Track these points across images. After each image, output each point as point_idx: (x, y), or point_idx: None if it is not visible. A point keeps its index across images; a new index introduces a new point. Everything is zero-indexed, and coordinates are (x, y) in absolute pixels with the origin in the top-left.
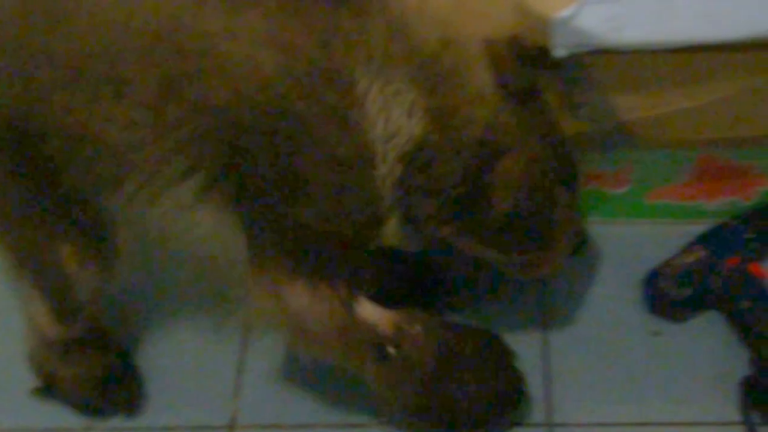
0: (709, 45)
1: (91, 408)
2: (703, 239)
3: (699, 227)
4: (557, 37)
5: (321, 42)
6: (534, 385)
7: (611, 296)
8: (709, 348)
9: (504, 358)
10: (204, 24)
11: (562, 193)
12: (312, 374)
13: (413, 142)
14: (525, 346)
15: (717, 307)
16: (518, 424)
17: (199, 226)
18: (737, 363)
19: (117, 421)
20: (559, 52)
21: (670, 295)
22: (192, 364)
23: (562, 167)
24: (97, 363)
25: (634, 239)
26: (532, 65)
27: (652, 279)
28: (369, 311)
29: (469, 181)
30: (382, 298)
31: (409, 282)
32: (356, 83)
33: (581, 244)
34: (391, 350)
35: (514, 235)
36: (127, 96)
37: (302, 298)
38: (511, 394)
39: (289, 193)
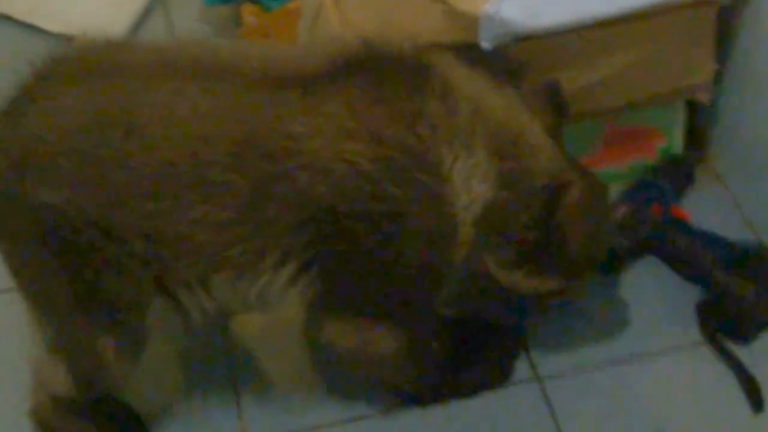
0: (606, 20)
1: None
2: (623, 196)
3: (615, 189)
4: (484, 32)
5: (408, 127)
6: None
7: None
8: (656, 287)
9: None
10: (287, 125)
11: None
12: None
13: (485, 206)
14: None
15: (653, 251)
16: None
17: (277, 301)
18: (684, 295)
19: None
20: (486, 45)
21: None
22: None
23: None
24: (107, 424)
25: None
26: (561, 104)
27: None
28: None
29: (542, 224)
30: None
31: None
32: (443, 161)
33: (614, 262)
34: None
35: (580, 261)
36: (218, 199)
37: (384, 339)
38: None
39: (380, 269)
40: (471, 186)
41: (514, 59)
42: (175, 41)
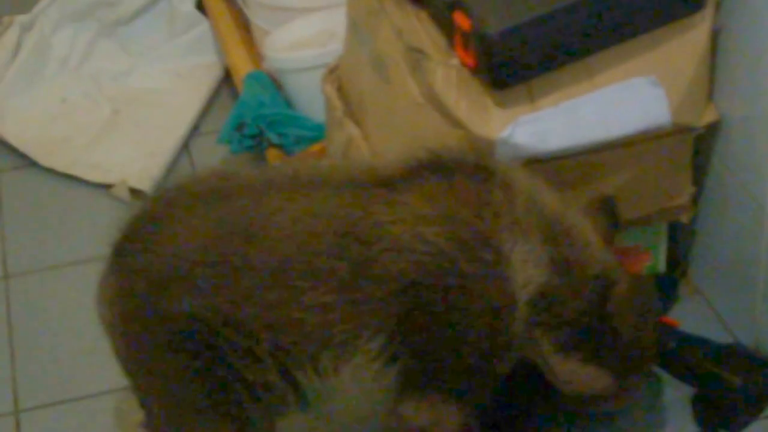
0: (601, 145)
1: None
2: None
3: None
4: (499, 153)
5: (476, 212)
6: None
7: None
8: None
9: None
10: (374, 216)
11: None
12: None
13: (539, 288)
14: None
15: None
16: None
17: (361, 375)
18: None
19: None
20: None
21: None
22: None
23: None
24: None
25: None
26: (615, 216)
27: None
28: None
29: (595, 311)
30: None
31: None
32: (503, 244)
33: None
34: None
35: (632, 354)
36: (324, 284)
37: (452, 415)
38: None
39: (453, 338)
40: (527, 268)
41: None
42: (272, 165)
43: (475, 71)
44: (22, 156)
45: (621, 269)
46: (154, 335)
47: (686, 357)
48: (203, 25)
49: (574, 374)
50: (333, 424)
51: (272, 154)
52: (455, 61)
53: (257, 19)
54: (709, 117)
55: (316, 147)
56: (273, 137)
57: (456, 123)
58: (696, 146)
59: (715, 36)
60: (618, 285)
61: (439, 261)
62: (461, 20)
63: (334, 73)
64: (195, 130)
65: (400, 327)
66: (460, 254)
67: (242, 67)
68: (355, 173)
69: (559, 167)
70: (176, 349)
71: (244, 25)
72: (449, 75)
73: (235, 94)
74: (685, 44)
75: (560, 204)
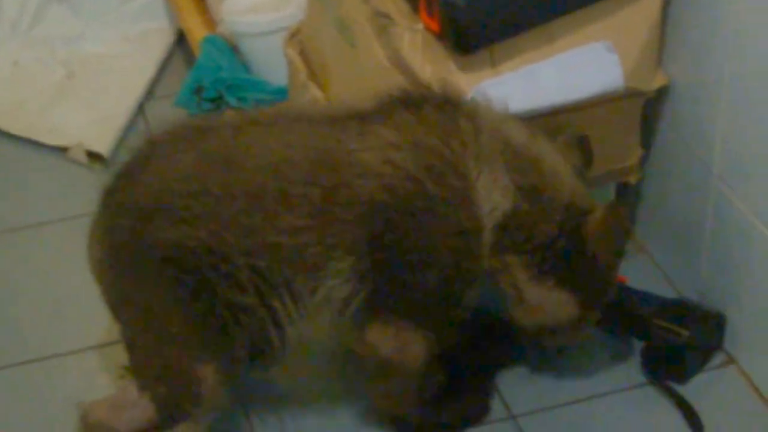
0: (557, 108)
1: None
2: None
3: None
4: None
5: (443, 141)
6: None
7: None
8: (603, 339)
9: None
10: (346, 145)
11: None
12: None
13: (504, 214)
14: None
15: None
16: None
17: (330, 297)
18: (626, 345)
19: None
20: None
21: None
22: None
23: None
24: None
25: None
26: (587, 154)
27: None
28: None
29: (568, 236)
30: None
31: (480, 338)
32: (470, 171)
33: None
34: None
35: (595, 282)
36: (297, 209)
37: (416, 344)
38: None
39: (420, 260)
40: (493, 195)
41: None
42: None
43: (440, 36)
44: None
45: (592, 200)
46: (140, 265)
47: (635, 310)
48: None
49: (544, 300)
50: (304, 355)
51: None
52: (420, 26)
53: None
54: (658, 82)
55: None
56: (232, 101)
57: (421, 84)
58: (645, 110)
59: (666, 4)
60: (593, 213)
61: (406, 184)
62: None
63: (296, 37)
64: (150, 94)
65: (369, 248)
66: (428, 178)
67: (197, 32)
68: (331, 110)
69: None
70: (161, 277)
71: None
72: (415, 40)
73: (188, 59)
74: (638, 12)
75: (527, 135)
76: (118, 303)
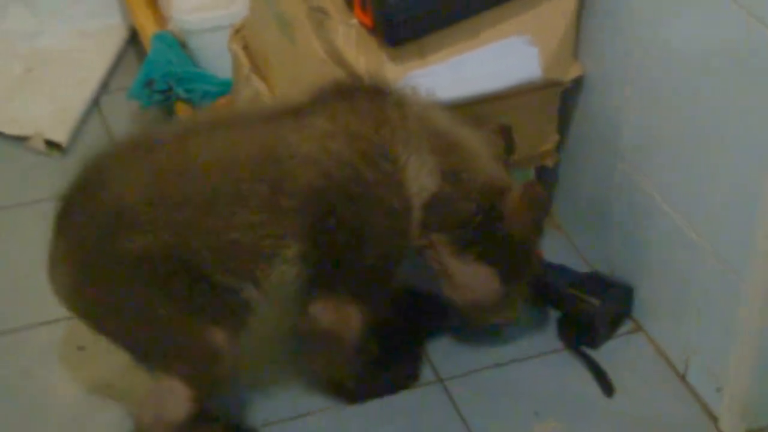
0: (483, 97)
1: None
2: None
3: None
4: None
5: (374, 128)
6: None
7: None
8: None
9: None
10: (286, 139)
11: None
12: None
13: (430, 194)
14: None
15: None
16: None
17: (283, 278)
18: (543, 314)
19: None
20: None
21: None
22: None
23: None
24: (215, 428)
25: None
26: (510, 142)
27: None
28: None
29: (486, 212)
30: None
31: (402, 313)
32: (399, 156)
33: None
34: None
35: (515, 257)
36: (249, 205)
37: (353, 316)
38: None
39: (355, 239)
40: (420, 177)
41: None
42: (185, 117)
43: (372, 30)
44: None
45: (510, 180)
46: (114, 275)
47: (551, 283)
48: None
49: (466, 274)
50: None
51: (181, 108)
52: (354, 21)
53: None
54: (574, 72)
55: (221, 101)
56: (181, 93)
57: (355, 75)
58: (562, 99)
59: (581, 1)
60: (510, 192)
61: (343, 170)
62: None
63: (239, 33)
64: (104, 87)
65: (313, 232)
66: (362, 164)
67: (148, 28)
68: (268, 107)
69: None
70: (136, 279)
71: None
72: (349, 34)
73: (140, 54)
74: (555, 7)
75: (450, 121)
76: (101, 316)
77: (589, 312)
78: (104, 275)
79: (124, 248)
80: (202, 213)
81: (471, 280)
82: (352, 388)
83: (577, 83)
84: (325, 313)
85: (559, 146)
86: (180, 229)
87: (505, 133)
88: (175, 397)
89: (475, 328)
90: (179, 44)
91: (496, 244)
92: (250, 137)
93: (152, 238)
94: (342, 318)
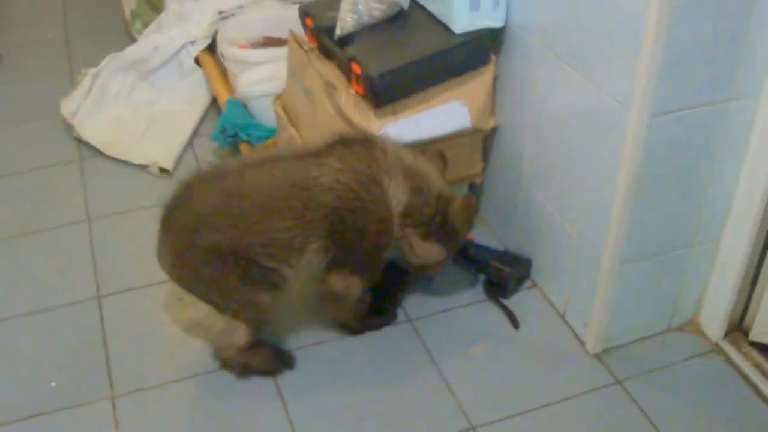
0: (435, 139)
1: (273, 370)
2: None
3: None
4: None
5: (368, 165)
6: None
7: None
8: (460, 273)
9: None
10: (310, 173)
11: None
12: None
13: (404, 205)
14: None
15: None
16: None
17: (310, 262)
18: (473, 278)
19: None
20: None
21: None
22: None
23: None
24: (265, 350)
25: None
26: (444, 161)
27: None
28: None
29: (441, 214)
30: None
31: (390, 277)
32: (384, 182)
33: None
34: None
35: (455, 238)
36: (286, 216)
37: (356, 284)
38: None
39: (357, 237)
40: (397, 195)
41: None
42: (245, 154)
43: (363, 97)
44: (95, 149)
45: (454, 192)
46: (199, 259)
47: (480, 257)
48: (199, 73)
49: (427, 250)
50: (298, 297)
51: (243, 146)
52: (352, 91)
53: (231, 68)
54: (492, 123)
55: (269, 142)
56: (243, 136)
57: (353, 126)
58: (485, 140)
59: (495, 78)
60: (455, 200)
61: (348, 194)
62: (355, 67)
63: (280, 98)
64: (195, 133)
65: (329, 233)
66: (360, 189)
67: (223, 96)
68: (297, 151)
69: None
70: (215, 262)
71: (223, 72)
72: (349, 99)
73: (218, 112)
74: (479, 82)
75: (413, 157)
76: (189, 285)
77: (503, 275)
78: (191, 260)
79: (203, 242)
80: (255, 220)
81: (428, 252)
82: (354, 326)
83: (494, 130)
84: (337, 282)
85: (484, 170)
86: (240, 230)
87: (441, 156)
88: (240, 331)
89: (423, 279)
90: (243, 106)
91: (445, 233)
92: (286, 170)
93: (221, 236)
94: (348, 285)
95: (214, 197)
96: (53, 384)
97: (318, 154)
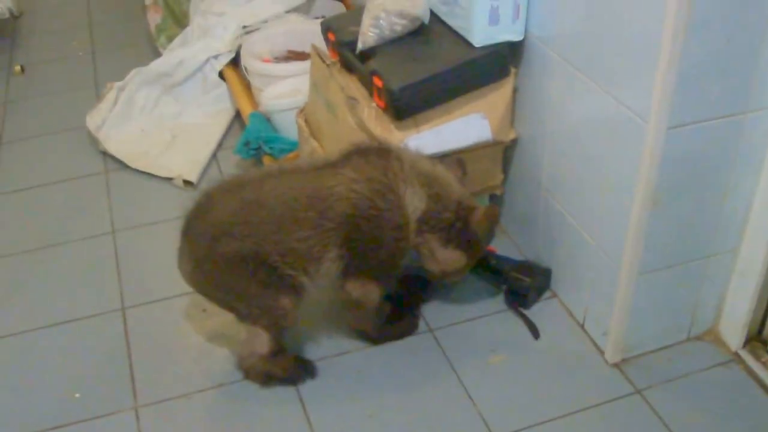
0: (458, 150)
1: (295, 379)
2: None
3: None
4: None
5: (383, 174)
6: None
7: None
8: (482, 284)
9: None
10: (327, 183)
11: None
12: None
13: (422, 213)
14: None
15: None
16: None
17: (328, 270)
18: (493, 289)
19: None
20: None
21: None
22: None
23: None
24: (287, 359)
25: None
26: (463, 169)
27: None
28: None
29: (461, 221)
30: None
31: (406, 289)
32: (400, 190)
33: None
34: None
35: (476, 245)
36: (304, 226)
37: (374, 291)
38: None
39: (374, 244)
40: (414, 202)
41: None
42: (267, 165)
43: (385, 110)
44: (120, 162)
45: (475, 201)
46: (219, 266)
47: (500, 267)
48: (223, 86)
49: (447, 256)
50: (316, 303)
51: (267, 159)
52: (374, 105)
53: (255, 82)
54: (512, 135)
55: (292, 155)
56: (266, 149)
57: (374, 139)
58: (505, 151)
59: (515, 90)
60: (477, 209)
61: (364, 202)
62: (377, 81)
63: (303, 111)
64: (220, 146)
65: (346, 242)
66: (376, 197)
67: (246, 110)
68: (314, 162)
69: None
70: (234, 269)
71: (246, 86)
72: (371, 112)
73: (242, 125)
74: (499, 94)
75: (431, 165)
76: (209, 292)
77: (523, 285)
78: (210, 267)
79: (223, 250)
80: (273, 229)
81: (449, 259)
82: (374, 335)
83: (514, 142)
84: (355, 289)
85: (504, 181)
86: (258, 239)
87: (460, 163)
88: (262, 339)
89: (443, 287)
90: (266, 119)
91: (466, 241)
92: (304, 181)
93: (241, 244)
94: (366, 292)
95: (234, 206)
96: (77, 395)
97: (334, 164)
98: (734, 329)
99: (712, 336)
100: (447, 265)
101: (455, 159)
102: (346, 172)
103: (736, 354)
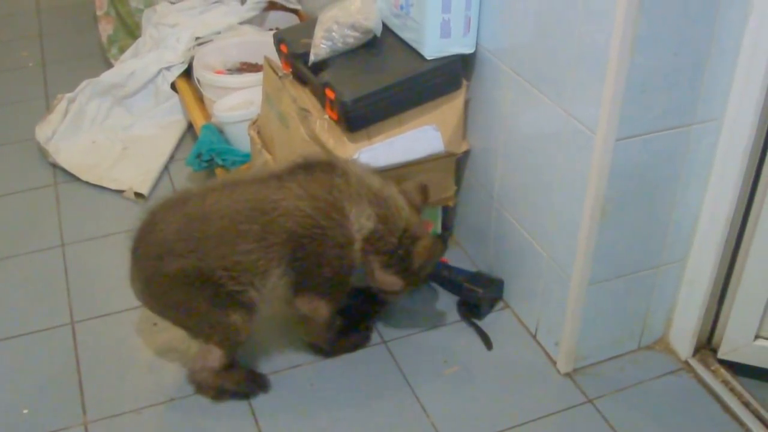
0: (410, 162)
1: (247, 392)
2: None
3: None
4: None
5: (328, 191)
6: None
7: None
8: (435, 294)
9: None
10: (271, 197)
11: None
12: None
13: (368, 232)
14: None
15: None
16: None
17: (276, 286)
18: (447, 298)
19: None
20: None
21: None
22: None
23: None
24: (239, 372)
25: None
26: (425, 195)
27: None
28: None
29: (404, 248)
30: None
31: (358, 301)
32: (345, 208)
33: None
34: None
35: (415, 275)
36: (247, 239)
37: (322, 307)
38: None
39: (318, 262)
40: (361, 221)
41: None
42: (213, 179)
43: (337, 122)
44: (71, 174)
45: (424, 226)
46: (166, 285)
47: (453, 278)
48: (175, 98)
49: (385, 279)
50: (269, 320)
51: (219, 172)
52: (326, 116)
53: (207, 93)
54: (464, 147)
55: (244, 166)
56: (219, 161)
57: (327, 152)
58: (457, 163)
59: (467, 102)
60: (423, 239)
61: (308, 220)
62: (329, 93)
63: (255, 123)
64: (171, 158)
65: (291, 258)
66: (319, 216)
67: (199, 122)
68: (259, 174)
69: (386, 173)
70: (178, 288)
71: (199, 97)
72: (323, 124)
73: (194, 137)
74: (451, 107)
75: (381, 183)
76: (160, 311)
77: (476, 296)
78: (159, 287)
79: (168, 269)
80: (215, 243)
81: (386, 282)
82: (327, 348)
83: (466, 153)
84: (304, 305)
85: (456, 193)
86: (202, 254)
87: (423, 189)
88: (214, 355)
89: (389, 303)
90: (218, 131)
91: (406, 268)
92: (247, 193)
93: (184, 261)
94: (314, 308)
95: (177, 223)
96: (25, 411)
97: (279, 177)
98: (684, 338)
99: (662, 345)
100: (385, 286)
101: (418, 184)
102: (291, 187)
103: (686, 362)
